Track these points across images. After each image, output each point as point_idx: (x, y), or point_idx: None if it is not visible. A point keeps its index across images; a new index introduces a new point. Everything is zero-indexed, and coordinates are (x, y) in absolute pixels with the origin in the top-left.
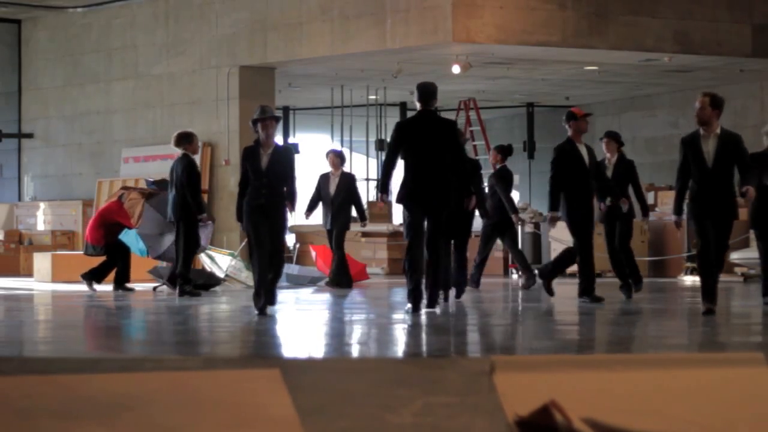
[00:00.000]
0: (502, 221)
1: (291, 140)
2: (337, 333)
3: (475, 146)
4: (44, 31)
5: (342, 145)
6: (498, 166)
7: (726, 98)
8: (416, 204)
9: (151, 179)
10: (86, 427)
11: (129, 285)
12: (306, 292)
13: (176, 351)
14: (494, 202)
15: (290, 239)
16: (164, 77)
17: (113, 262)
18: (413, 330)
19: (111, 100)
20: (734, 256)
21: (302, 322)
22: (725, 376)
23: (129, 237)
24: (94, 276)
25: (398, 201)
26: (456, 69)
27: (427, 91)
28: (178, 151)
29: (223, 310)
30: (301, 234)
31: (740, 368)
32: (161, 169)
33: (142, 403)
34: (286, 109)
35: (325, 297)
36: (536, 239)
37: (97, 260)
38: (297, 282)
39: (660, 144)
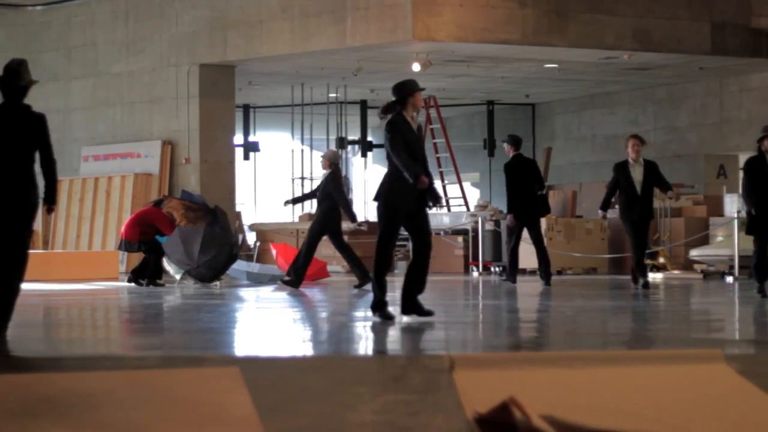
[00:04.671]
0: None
1: (251, 138)
2: (297, 331)
3: (435, 144)
4: (3, 29)
5: (303, 143)
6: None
7: (685, 96)
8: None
9: (194, 193)
10: (45, 426)
11: (160, 281)
12: (266, 290)
13: (135, 349)
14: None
15: (251, 237)
16: (124, 75)
17: (149, 258)
18: (373, 328)
19: (70, 99)
20: (694, 253)
21: (262, 320)
22: (684, 373)
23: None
24: (137, 274)
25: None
26: (416, 67)
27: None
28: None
29: (181, 307)
30: (262, 232)
31: (699, 365)
32: (121, 168)
33: (102, 402)
34: (246, 107)
35: (285, 295)
36: (496, 237)
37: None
38: (257, 280)
39: (620, 142)
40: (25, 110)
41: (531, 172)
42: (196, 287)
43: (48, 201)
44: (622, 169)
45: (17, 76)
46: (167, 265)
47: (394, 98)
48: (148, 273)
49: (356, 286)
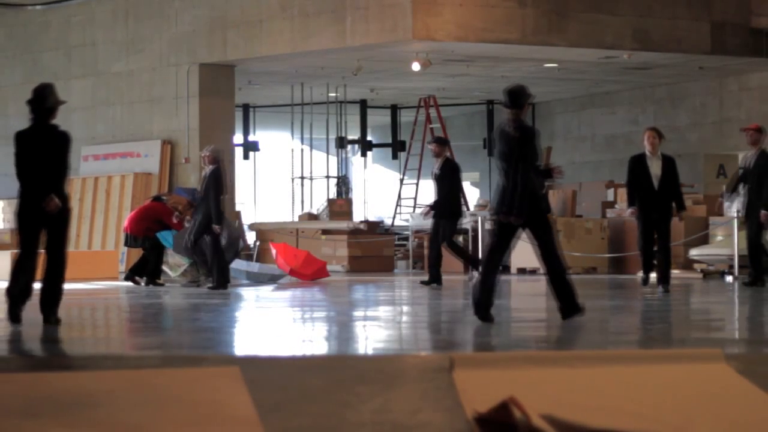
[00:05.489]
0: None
1: (251, 138)
2: (297, 331)
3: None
4: (3, 29)
5: (302, 143)
6: None
7: (685, 96)
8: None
9: (189, 189)
10: (45, 426)
11: (159, 281)
12: (266, 290)
13: (135, 348)
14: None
15: (251, 237)
16: (123, 75)
17: (149, 256)
18: (372, 327)
19: (70, 98)
20: (693, 252)
21: (262, 319)
22: (684, 372)
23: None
24: (135, 272)
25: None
26: (416, 66)
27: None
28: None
29: (181, 307)
30: (262, 232)
31: (699, 364)
32: (121, 168)
33: (102, 401)
34: (246, 107)
35: (286, 295)
36: None
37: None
38: (257, 280)
39: (620, 141)
40: (52, 129)
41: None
42: (191, 283)
43: (52, 190)
44: (638, 162)
45: (43, 99)
46: (173, 258)
47: (516, 104)
48: (147, 272)
49: (209, 287)
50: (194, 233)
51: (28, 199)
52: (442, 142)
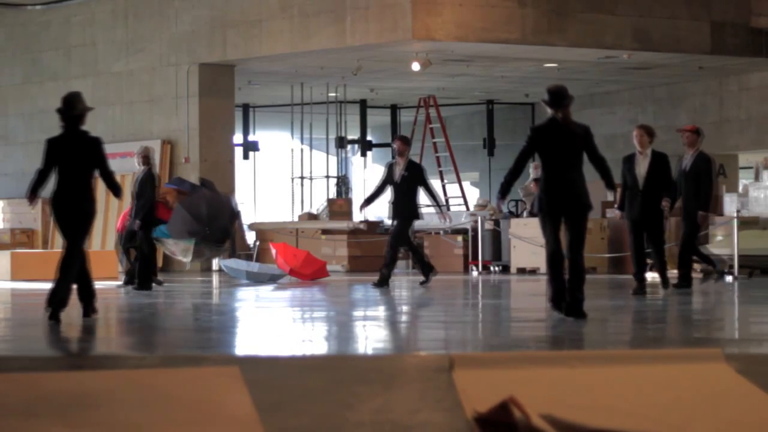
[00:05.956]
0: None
1: (251, 138)
2: (297, 330)
3: (435, 144)
4: (2, 29)
5: (302, 143)
6: None
7: (685, 96)
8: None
9: (176, 179)
10: (45, 426)
11: (157, 279)
12: (266, 290)
13: (135, 348)
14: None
15: (251, 237)
16: (123, 75)
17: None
18: (372, 327)
19: None
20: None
21: (262, 319)
22: (684, 372)
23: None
24: (145, 276)
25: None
26: (416, 66)
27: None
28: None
29: (180, 307)
30: (262, 231)
31: (699, 364)
32: (121, 168)
33: (102, 401)
34: (246, 107)
35: (285, 294)
36: (496, 236)
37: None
38: (257, 279)
39: (619, 141)
40: (82, 135)
41: None
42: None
43: (115, 195)
44: (627, 162)
45: (72, 107)
46: (176, 245)
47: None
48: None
49: (132, 287)
50: (128, 233)
51: (60, 201)
52: (406, 141)
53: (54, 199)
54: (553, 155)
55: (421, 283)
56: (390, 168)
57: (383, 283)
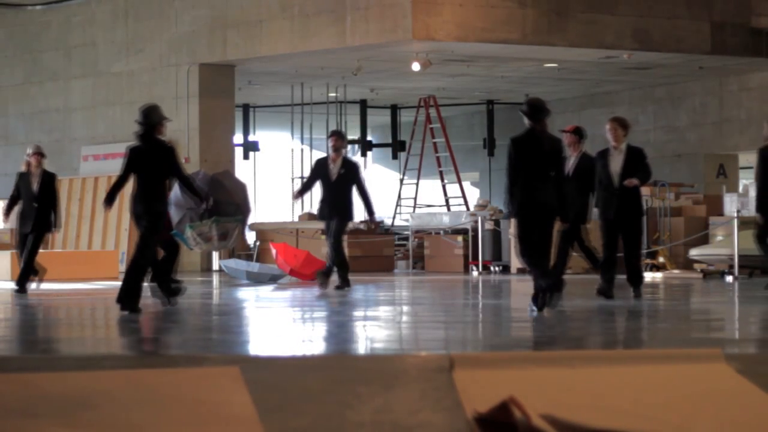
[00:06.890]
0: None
1: (251, 138)
2: (297, 330)
3: (435, 144)
4: (3, 29)
5: (302, 143)
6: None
7: (685, 96)
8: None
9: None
10: (45, 426)
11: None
12: (266, 290)
13: (135, 348)
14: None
15: (251, 237)
16: (124, 75)
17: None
18: (372, 327)
19: (70, 98)
20: (693, 252)
21: (262, 319)
22: (684, 372)
23: None
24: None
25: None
26: (416, 66)
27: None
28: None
29: (181, 307)
30: (262, 231)
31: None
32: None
33: (102, 402)
34: (246, 107)
35: (285, 294)
36: (496, 236)
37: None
38: (257, 279)
39: None
40: (158, 144)
41: None
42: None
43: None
44: (601, 158)
45: (147, 118)
46: (191, 231)
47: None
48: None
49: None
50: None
51: (138, 204)
52: (342, 137)
53: (134, 203)
54: (530, 165)
55: (337, 288)
56: (322, 164)
57: (346, 283)
